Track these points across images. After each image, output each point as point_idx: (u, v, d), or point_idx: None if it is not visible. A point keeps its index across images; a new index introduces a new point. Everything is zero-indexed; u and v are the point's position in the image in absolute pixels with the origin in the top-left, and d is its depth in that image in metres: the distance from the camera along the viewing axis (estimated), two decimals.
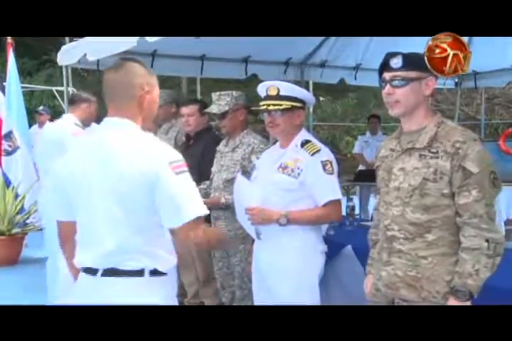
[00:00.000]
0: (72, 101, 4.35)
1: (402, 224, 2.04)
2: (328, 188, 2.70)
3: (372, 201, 5.64)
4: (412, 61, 2.00)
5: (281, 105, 2.72)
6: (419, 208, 2.00)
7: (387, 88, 2.04)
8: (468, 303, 1.94)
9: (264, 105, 2.78)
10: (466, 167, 1.93)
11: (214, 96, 3.48)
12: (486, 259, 1.92)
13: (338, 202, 2.74)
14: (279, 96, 2.73)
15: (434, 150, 2.00)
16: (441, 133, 2.01)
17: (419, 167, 2.01)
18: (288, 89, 2.75)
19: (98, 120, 2.71)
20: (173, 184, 1.77)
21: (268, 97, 2.77)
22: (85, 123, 4.20)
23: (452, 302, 1.96)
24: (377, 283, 2.17)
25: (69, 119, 4.19)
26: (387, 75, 2.04)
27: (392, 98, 2.03)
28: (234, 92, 3.47)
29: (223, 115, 3.41)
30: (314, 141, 2.80)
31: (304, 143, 2.75)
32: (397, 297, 2.08)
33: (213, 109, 3.42)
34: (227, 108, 3.38)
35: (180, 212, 1.77)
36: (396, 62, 2.01)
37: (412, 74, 2.00)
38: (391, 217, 2.08)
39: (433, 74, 2.03)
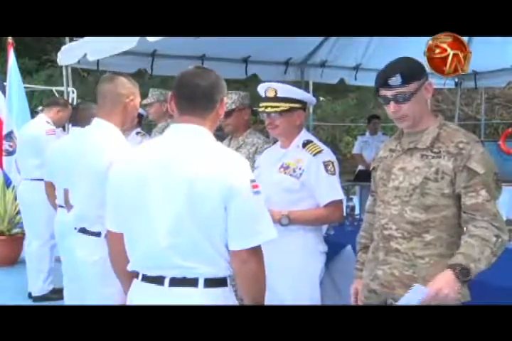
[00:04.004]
0: (47, 104, 5.00)
1: (400, 223, 2.04)
2: (329, 189, 2.70)
3: None
4: (409, 75, 1.98)
5: (278, 107, 2.72)
6: (418, 207, 2.00)
7: (393, 105, 2.01)
8: (459, 285, 1.85)
9: (262, 107, 2.78)
10: (471, 167, 1.93)
11: None
12: (489, 253, 1.89)
13: (339, 202, 2.75)
14: (276, 98, 2.73)
15: (436, 150, 2.00)
16: (443, 134, 2.02)
17: (420, 166, 2.01)
18: (286, 90, 2.75)
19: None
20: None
21: (266, 99, 2.77)
22: (56, 124, 4.81)
23: (448, 277, 1.84)
24: (370, 284, 2.15)
25: (42, 118, 4.79)
26: (387, 93, 2.01)
27: (400, 114, 2.02)
28: (241, 92, 3.47)
29: (229, 113, 3.39)
30: (316, 141, 2.81)
31: (306, 144, 2.76)
32: (392, 296, 2.07)
33: None
34: (233, 106, 3.37)
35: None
36: (395, 80, 1.98)
37: (412, 86, 1.98)
38: (389, 216, 2.07)
39: (427, 76, 2.03)
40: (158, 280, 1.72)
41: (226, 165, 1.72)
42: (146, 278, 1.75)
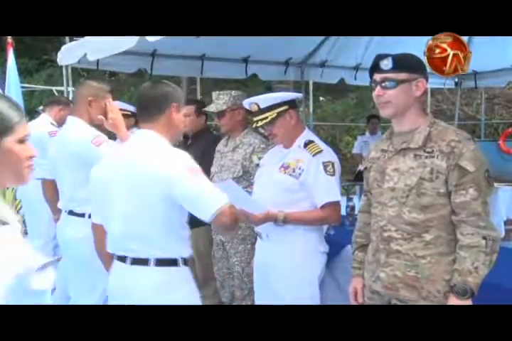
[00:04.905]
0: (48, 102, 4.97)
1: (399, 225, 2.04)
2: (327, 190, 2.70)
3: None
4: (401, 63, 2.01)
5: (267, 118, 2.75)
6: (416, 208, 2.01)
7: (378, 89, 2.05)
8: (469, 301, 1.94)
9: (254, 122, 2.82)
10: (462, 165, 1.94)
11: (214, 95, 3.54)
12: (484, 256, 1.93)
13: (336, 204, 2.74)
14: (261, 110, 2.76)
15: (429, 149, 2.00)
16: (434, 132, 2.03)
17: (414, 167, 2.02)
18: (266, 100, 2.77)
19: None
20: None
21: (253, 114, 2.81)
22: (58, 124, 4.66)
23: (453, 300, 1.96)
24: (372, 285, 2.16)
25: (45, 119, 4.74)
26: (377, 77, 2.05)
27: (383, 99, 2.04)
28: (233, 92, 3.50)
29: (222, 114, 3.43)
30: (318, 141, 2.81)
31: (307, 144, 2.77)
32: (396, 297, 2.07)
33: (211, 107, 3.49)
34: (224, 107, 3.41)
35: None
36: (386, 63, 2.01)
37: (402, 75, 2.01)
38: (387, 217, 2.07)
39: (423, 75, 2.04)
40: (123, 259, 2.14)
41: (163, 160, 2.03)
42: (117, 257, 2.17)
